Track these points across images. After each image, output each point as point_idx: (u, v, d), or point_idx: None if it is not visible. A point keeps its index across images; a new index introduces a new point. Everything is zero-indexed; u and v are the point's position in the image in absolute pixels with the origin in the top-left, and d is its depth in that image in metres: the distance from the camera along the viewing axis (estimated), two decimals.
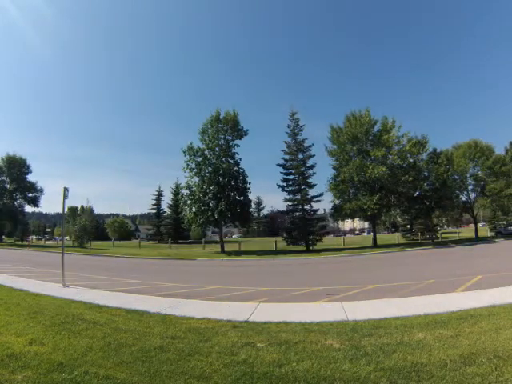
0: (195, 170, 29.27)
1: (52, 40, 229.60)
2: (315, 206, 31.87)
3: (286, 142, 31.70)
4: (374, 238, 30.44)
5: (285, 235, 32.80)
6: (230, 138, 29.90)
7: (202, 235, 59.58)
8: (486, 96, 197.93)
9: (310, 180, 30.75)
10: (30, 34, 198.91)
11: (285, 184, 31.44)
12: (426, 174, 30.18)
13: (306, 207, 31.10)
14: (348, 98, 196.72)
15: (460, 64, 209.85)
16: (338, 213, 30.66)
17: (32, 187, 44.31)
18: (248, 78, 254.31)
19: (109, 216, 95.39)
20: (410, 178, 26.53)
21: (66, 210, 10.37)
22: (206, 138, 29.56)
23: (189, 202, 29.70)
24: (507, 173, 31.61)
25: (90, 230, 40.50)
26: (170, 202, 54.88)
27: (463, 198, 34.57)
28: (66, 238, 40.85)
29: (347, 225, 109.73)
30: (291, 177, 31.50)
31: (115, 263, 18.92)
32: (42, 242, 53.76)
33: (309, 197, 30.78)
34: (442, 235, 38.30)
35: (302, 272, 14.43)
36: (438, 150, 32.04)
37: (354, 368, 3.08)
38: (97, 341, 3.94)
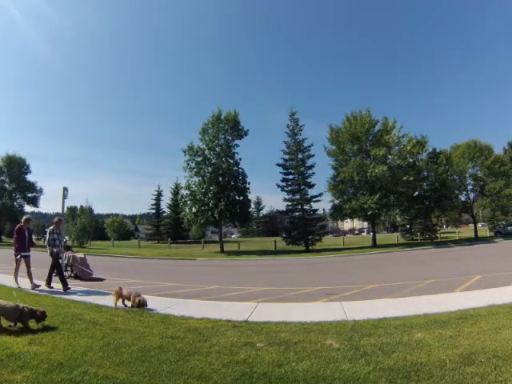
0: (195, 170, 29.29)
1: (52, 39, 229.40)
2: (315, 205, 31.93)
3: (285, 142, 31.75)
4: (374, 238, 30.46)
5: (284, 235, 32.82)
6: (230, 137, 29.92)
7: (201, 235, 59.51)
8: (486, 95, 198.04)
9: (309, 180, 30.80)
10: (31, 34, 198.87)
11: (284, 184, 31.46)
12: (425, 174, 30.23)
13: (306, 207, 31.11)
14: (348, 98, 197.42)
15: (460, 65, 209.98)
16: (338, 213, 30.67)
17: (31, 187, 44.26)
18: (248, 78, 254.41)
19: (108, 216, 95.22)
20: (410, 178, 26.56)
21: (65, 209, 10.41)
22: (207, 138, 29.56)
23: (189, 201, 29.71)
24: (506, 173, 31.65)
25: (90, 229, 40.41)
26: (170, 202, 54.84)
27: (462, 198, 34.63)
28: (66, 237, 40.70)
29: (347, 225, 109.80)
30: (291, 177, 31.52)
31: (115, 263, 18.90)
32: (41, 242, 53.70)
33: (308, 197, 30.80)
34: (442, 235, 38.32)
35: (301, 272, 14.43)
36: (438, 150, 32.09)
37: (353, 368, 3.07)
38: (96, 341, 3.93)
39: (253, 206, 76.05)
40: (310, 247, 29.25)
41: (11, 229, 57.15)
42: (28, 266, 7.88)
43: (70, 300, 6.70)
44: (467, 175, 33.24)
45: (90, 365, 3.16)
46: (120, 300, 6.11)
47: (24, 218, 8.38)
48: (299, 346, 3.81)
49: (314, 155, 30.98)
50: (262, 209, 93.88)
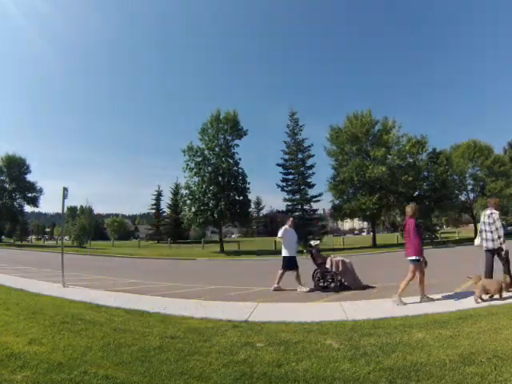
0: (195, 170, 29.29)
1: (52, 39, 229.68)
2: (314, 205, 31.95)
3: (285, 142, 31.82)
4: (374, 238, 30.47)
5: None
6: (229, 137, 29.94)
7: (201, 235, 59.55)
8: (486, 94, 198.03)
9: (309, 180, 30.85)
10: (31, 34, 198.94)
11: (284, 184, 31.51)
12: (425, 174, 30.24)
13: (306, 207, 31.15)
14: (348, 97, 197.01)
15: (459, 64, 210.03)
16: (338, 213, 30.73)
17: (31, 187, 44.26)
18: (248, 78, 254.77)
19: (108, 216, 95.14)
20: (410, 178, 26.57)
21: (65, 209, 10.35)
22: (206, 138, 29.58)
23: (188, 201, 29.73)
24: (506, 173, 31.69)
25: (90, 229, 40.43)
26: (170, 202, 54.93)
27: (462, 198, 34.67)
28: (66, 237, 40.78)
29: (347, 225, 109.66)
30: (290, 177, 31.56)
31: (115, 263, 18.90)
32: (41, 242, 53.71)
33: (308, 197, 30.83)
34: (442, 235, 38.31)
35: (300, 272, 14.39)
36: (438, 150, 32.11)
37: (353, 368, 3.07)
38: (96, 341, 3.93)
39: (253, 205, 75.84)
40: None
41: (11, 229, 57.22)
42: (423, 273, 6.03)
43: (70, 300, 6.70)
44: (467, 175, 33.31)
45: (90, 365, 3.16)
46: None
47: (413, 205, 6.13)
48: (299, 345, 3.81)
49: (314, 155, 31.09)
50: (262, 209, 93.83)
